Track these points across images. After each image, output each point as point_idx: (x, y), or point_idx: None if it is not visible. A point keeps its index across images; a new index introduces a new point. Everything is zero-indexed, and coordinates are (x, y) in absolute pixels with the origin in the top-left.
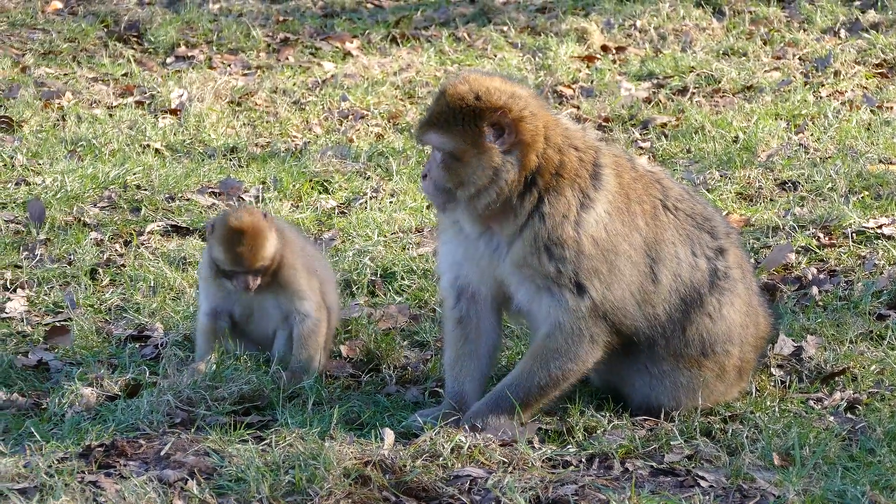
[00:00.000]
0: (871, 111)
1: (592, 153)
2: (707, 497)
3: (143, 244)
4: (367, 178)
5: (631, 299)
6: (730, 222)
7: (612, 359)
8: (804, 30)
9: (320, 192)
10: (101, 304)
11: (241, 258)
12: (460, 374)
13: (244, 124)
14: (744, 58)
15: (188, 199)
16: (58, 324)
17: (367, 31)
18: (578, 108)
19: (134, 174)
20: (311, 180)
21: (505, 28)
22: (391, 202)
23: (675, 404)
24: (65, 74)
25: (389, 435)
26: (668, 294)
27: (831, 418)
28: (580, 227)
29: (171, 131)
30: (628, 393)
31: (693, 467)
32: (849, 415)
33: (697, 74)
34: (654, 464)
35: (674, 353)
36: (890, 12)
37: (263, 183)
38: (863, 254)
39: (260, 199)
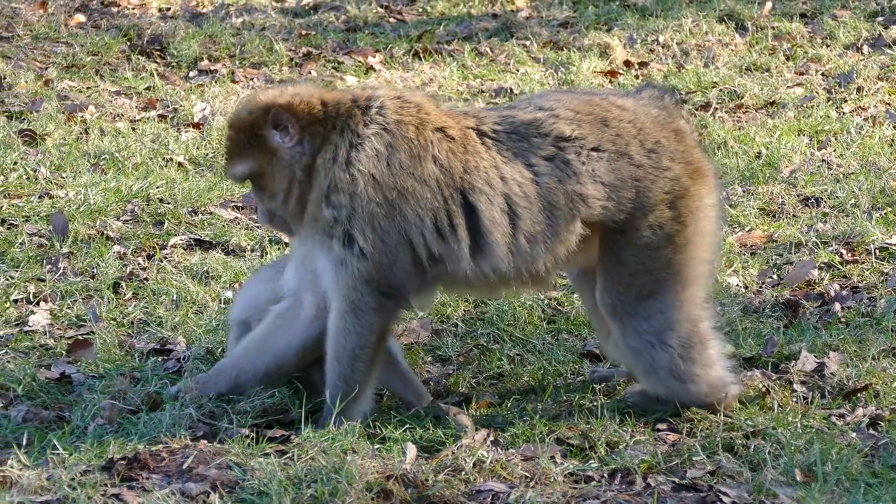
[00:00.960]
0: (894, 127)
1: (369, 93)
2: None
3: (165, 258)
4: None
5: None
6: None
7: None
8: (827, 45)
9: None
10: (123, 318)
11: None
12: None
13: None
14: (766, 73)
15: (211, 213)
16: (80, 337)
17: (389, 46)
18: None
19: (157, 188)
20: None
21: (527, 43)
22: None
23: None
24: (88, 88)
25: (412, 449)
26: (532, 206)
27: (853, 434)
28: (351, 167)
29: (193, 145)
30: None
31: (715, 483)
32: (871, 431)
33: (720, 90)
34: (676, 479)
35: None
36: None
37: None
38: (885, 270)
39: None
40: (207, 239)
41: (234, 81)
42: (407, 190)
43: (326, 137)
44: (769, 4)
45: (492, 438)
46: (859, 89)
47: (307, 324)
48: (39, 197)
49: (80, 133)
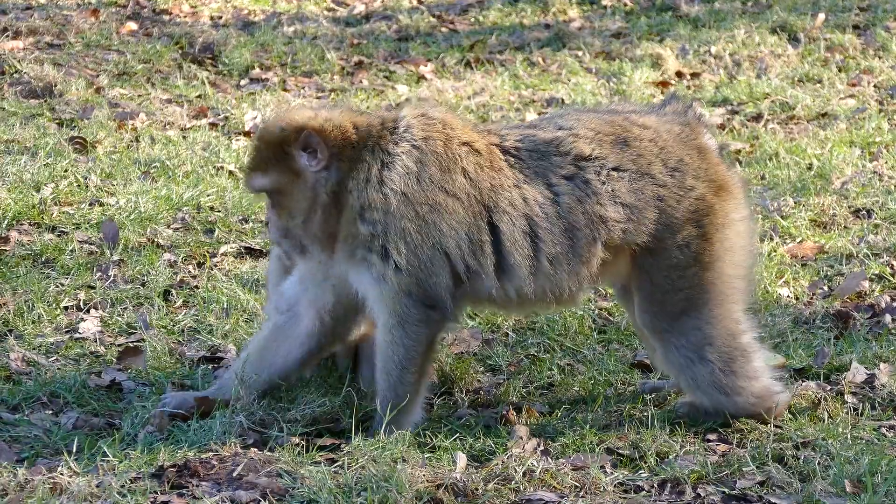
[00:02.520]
0: None
1: (394, 114)
2: None
3: (216, 265)
4: None
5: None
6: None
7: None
8: (879, 57)
9: None
10: (173, 326)
11: None
12: None
13: None
14: (818, 85)
15: (261, 221)
16: (131, 344)
17: (441, 55)
18: None
19: (207, 196)
20: None
21: (580, 53)
22: None
23: None
24: (139, 96)
25: (462, 458)
26: (553, 227)
27: None
28: (384, 186)
29: (244, 153)
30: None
31: (765, 493)
32: None
33: (772, 101)
34: (725, 489)
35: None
36: None
37: None
38: None
39: None
40: (258, 247)
41: (285, 90)
42: (439, 204)
43: (357, 158)
44: (822, 16)
45: (542, 448)
46: None
47: (307, 336)
48: (90, 204)
49: (131, 141)
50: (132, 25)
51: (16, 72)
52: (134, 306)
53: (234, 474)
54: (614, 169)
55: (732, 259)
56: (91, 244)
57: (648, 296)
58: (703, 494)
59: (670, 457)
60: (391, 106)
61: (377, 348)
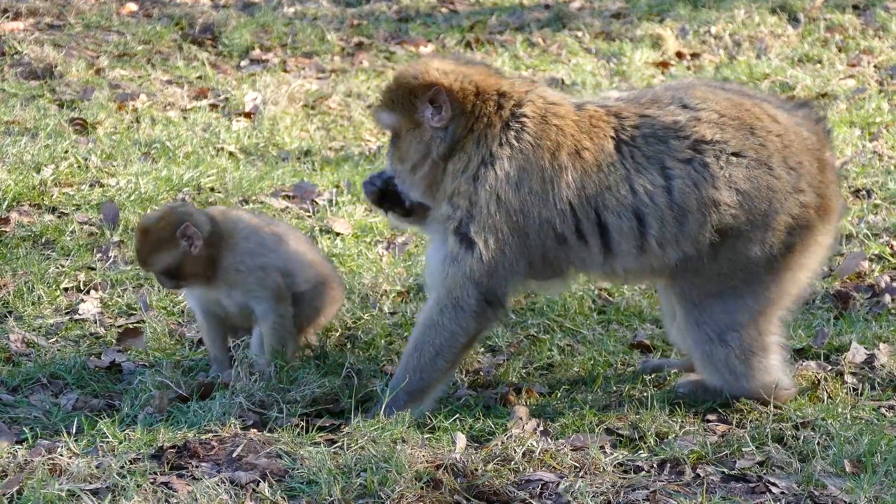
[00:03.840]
0: None
1: (514, 101)
2: (778, 503)
3: None
4: None
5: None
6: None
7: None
8: (879, 37)
9: None
10: (173, 307)
11: (136, 256)
12: None
13: (318, 128)
14: (818, 65)
15: (262, 203)
16: (131, 326)
17: (441, 36)
18: None
19: (208, 177)
20: None
21: (579, 33)
22: None
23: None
24: (139, 77)
25: (461, 439)
26: (664, 213)
27: None
28: (477, 182)
29: (244, 134)
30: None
31: (764, 473)
32: None
33: (772, 81)
34: (725, 469)
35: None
36: None
37: (337, 186)
38: None
39: (333, 202)
40: None
41: (285, 71)
42: (533, 215)
43: (468, 138)
44: None
45: (541, 428)
46: None
47: None
48: (90, 185)
49: (132, 122)
50: (132, 6)
51: (16, 53)
52: (134, 287)
53: (234, 455)
54: (734, 154)
55: (797, 277)
56: (91, 225)
57: (698, 265)
58: (702, 474)
59: (670, 437)
60: (523, 78)
61: (418, 324)
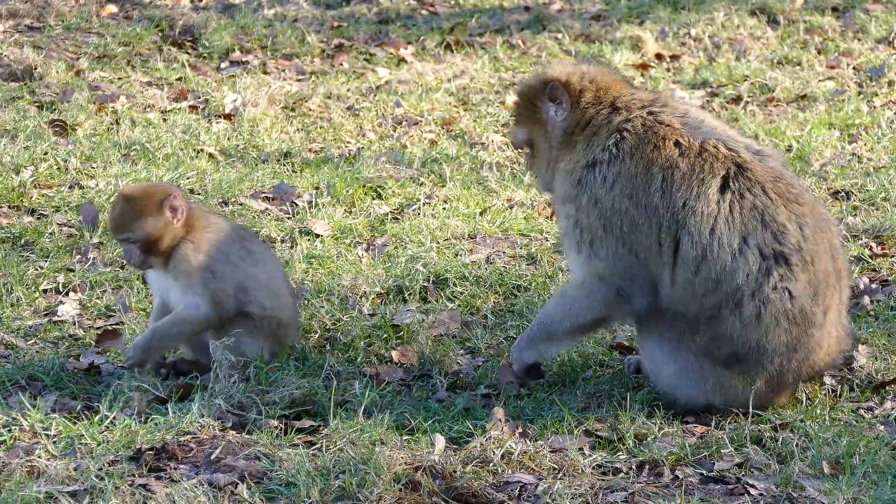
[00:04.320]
0: None
1: (626, 109)
2: None
3: None
4: (421, 185)
5: (634, 264)
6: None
7: (644, 342)
8: (858, 39)
9: (373, 198)
10: (152, 308)
11: (111, 223)
12: None
13: (298, 129)
14: (798, 67)
15: (241, 204)
16: (110, 327)
17: (421, 38)
18: None
19: (187, 178)
20: (364, 186)
21: (559, 35)
22: (444, 208)
23: (696, 402)
24: (119, 78)
25: (440, 441)
26: (691, 275)
27: (882, 427)
28: (580, 185)
29: (224, 136)
30: (654, 379)
31: (743, 475)
32: None
33: (751, 83)
34: (704, 471)
35: (701, 349)
36: None
37: (317, 188)
38: None
39: (313, 204)
40: None
41: (265, 73)
42: (625, 212)
43: (576, 138)
44: None
45: (520, 430)
46: (890, 83)
47: None
48: (70, 187)
49: (111, 123)
50: (112, 8)
51: None
52: (113, 289)
53: (213, 457)
54: (790, 293)
55: None
56: (70, 227)
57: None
58: (681, 476)
59: (649, 439)
60: (641, 93)
61: (559, 291)
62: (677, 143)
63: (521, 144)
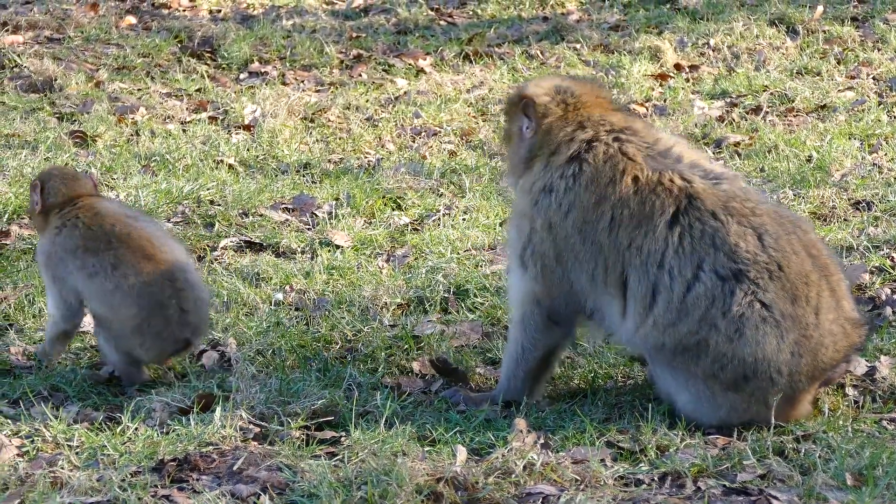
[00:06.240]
0: None
1: (590, 134)
2: None
3: (216, 259)
4: (440, 195)
5: (569, 293)
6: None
7: (655, 371)
8: (878, 49)
9: (393, 209)
10: None
11: None
12: None
13: (317, 140)
14: (817, 77)
15: (261, 215)
16: None
17: (440, 48)
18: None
19: (207, 189)
20: (383, 197)
21: (578, 46)
22: (464, 219)
23: (715, 425)
24: (138, 90)
25: (462, 452)
26: (644, 309)
27: None
28: (536, 207)
29: (244, 147)
30: (672, 406)
31: (765, 486)
32: None
33: (771, 93)
34: (726, 483)
35: (709, 375)
36: None
37: (336, 199)
38: None
39: (333, 215)
40: (258, 241)
41: (284, 84)
42: (573, 244)
43: (536, 158)
44: (820, 8)
45: (542, 441)
46: None
47: None
48: None
49: (131, 135)
50: (131, 19)
51: (16, 66)
52: None
53: (235, 468)
54: (763, 305)
55: None
56: None
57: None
58: (703, 488)
59: (671, 450)
60: (629, 116)
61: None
62: (635, 179)
63: (505, 136)
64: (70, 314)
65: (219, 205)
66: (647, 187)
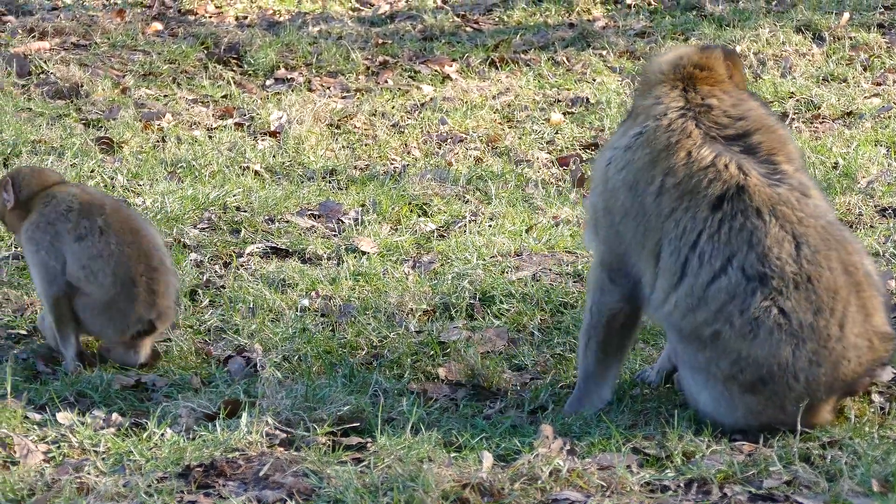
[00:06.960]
0: None
1: (664, 108)
2: None
3: (242, 265)
4: (466, 202)
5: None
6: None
7: (681, 371)
8: None
9: (419, 216)
10: (200, 325)
11: None
12: None
13: (343, 147)
14: (844, 84)
15: (287, 221)
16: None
17: (465, 55)
18: None
19: (233, 196)
20: (410, 203)
21: (604, 52)
22: (490, 226)
23: (734, 427)
24: (165, 96)
25: (488, 458)
26: (670, 286)
27: None
28: (602, 162)
29: (270, 153)
30: (694, 407)
31: (792, 493)
32: None
33: (797, 100)
34: (752, 489)
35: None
36: None
37: (363, 205)
38: None
39: (359, 221)
40: (284, 247)
41: (310, 90)
42: (623, 199)
43: (626, 121)
44: (847, 15)
45: (568, 447)
46: None
47: None
48: None
49: (157, 141)
50: (157, 26)
51: (42, 72)
52: None
53: (261, 474)
54: (781, 311)
55: None
56: None
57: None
58: (729, 494)
59: (697, 457)
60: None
61: None
62: (688, 154)
63: None
64: (52, 276)
65: (245, 211)
66: (697, 163)
